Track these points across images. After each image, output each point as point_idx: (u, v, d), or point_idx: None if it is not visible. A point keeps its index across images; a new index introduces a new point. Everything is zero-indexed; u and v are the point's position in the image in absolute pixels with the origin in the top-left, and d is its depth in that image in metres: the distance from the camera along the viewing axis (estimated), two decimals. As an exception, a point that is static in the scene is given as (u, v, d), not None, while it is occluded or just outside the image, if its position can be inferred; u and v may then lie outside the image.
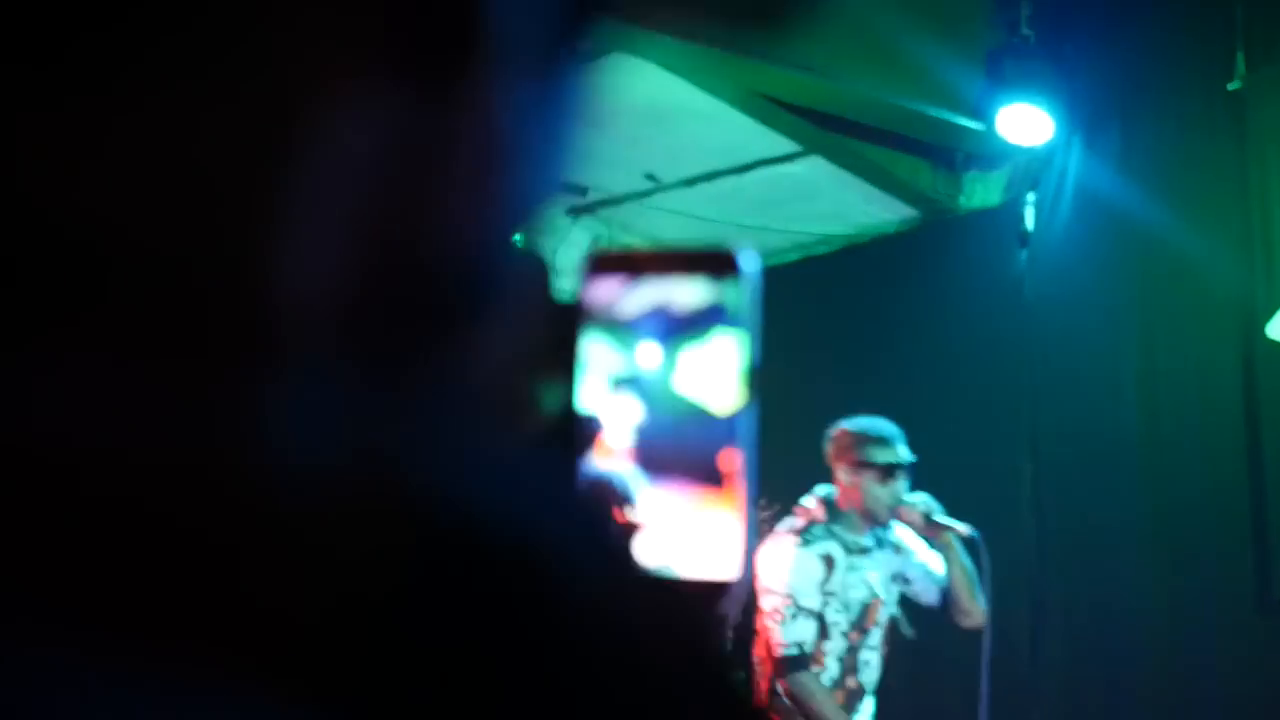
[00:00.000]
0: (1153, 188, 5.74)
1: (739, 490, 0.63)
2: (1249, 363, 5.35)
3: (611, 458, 0.64)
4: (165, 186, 0.40)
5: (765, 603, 4.68)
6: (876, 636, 4.71)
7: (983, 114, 5.89)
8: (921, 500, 4.67)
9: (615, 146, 6.16)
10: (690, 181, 6.69)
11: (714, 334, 0.65)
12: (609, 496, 0.64)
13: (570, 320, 0.64)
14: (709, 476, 0.64)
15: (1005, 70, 5.80)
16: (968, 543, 4.66)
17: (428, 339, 0.46)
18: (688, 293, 0.65)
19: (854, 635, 4.69)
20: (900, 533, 4.78)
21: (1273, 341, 5.26)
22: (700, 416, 0.64)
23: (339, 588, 0.37)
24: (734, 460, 0.64)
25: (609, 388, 0.64)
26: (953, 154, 6.39)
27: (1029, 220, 6.16)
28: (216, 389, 0.39)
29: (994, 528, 5.67)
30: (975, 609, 4.71)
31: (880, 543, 4.77)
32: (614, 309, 0.65)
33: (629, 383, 0.64)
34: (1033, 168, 6.15)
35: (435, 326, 0.47)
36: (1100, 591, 5.61)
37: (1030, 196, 6.17)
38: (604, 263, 0.66)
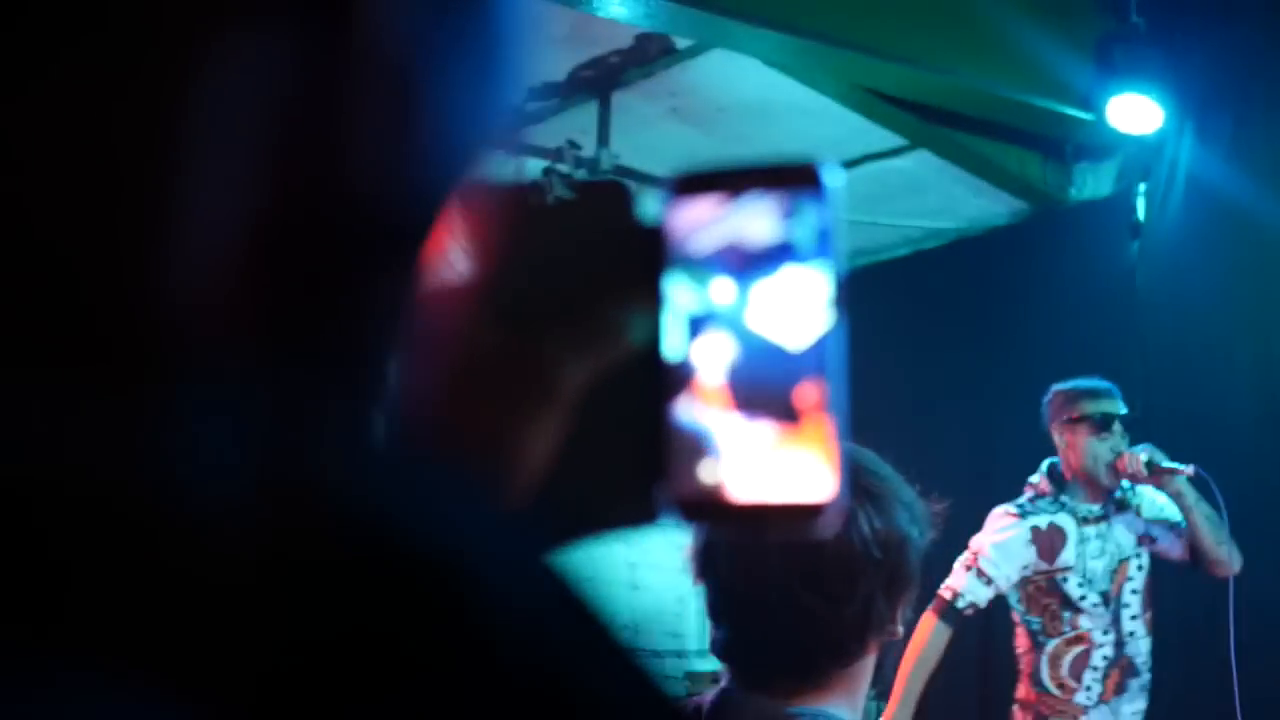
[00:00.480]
0: (1265, 176, 5.65)
1: (822, 423, 0.63)
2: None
3: (696, 400, 0.65)
4: (50, 169, 0.37)
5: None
6: (1136, 606, 4.64)
7: (1092, 104, 5.83)
8: (1143, 449, 4.57)
9: (720, 144, 6.17)
10: (798, 179, 6.69)
11: (790, 264, 0.65)
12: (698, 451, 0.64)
13: (650, 248, 0.64)
14: (788, 413, 0.64)
15: (1115, 58, 5.74)
16: (1199, 483, 4.57)
17: (346, 301, 0.43)
18: (764, 220, 0.65)
19: (1112, 606, 4.64)
20: (1141, 492, 4.70)
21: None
22: (776, 352, 0.64)
23: (247, 600, 0.34)
24: (813, 394, 0.63)
25: (686, 324, 0.64)
26: (1062, 145, 6.33)
27: (1140, 211, 6.09)
28: (114, 392, 0.36)
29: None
30: (1223, 555, 4.57)
31: (1120, 506, 4.69)
32: (690, 239, 0.65)
33: (706, 319, 0.64)
34: (1143, 157, 6.08)
35: (353, 284, 0.43)
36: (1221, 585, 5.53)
37: (1141, 187, 6.10)
38: (682, 185, 0.66)
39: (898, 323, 6.92)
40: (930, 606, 4.58)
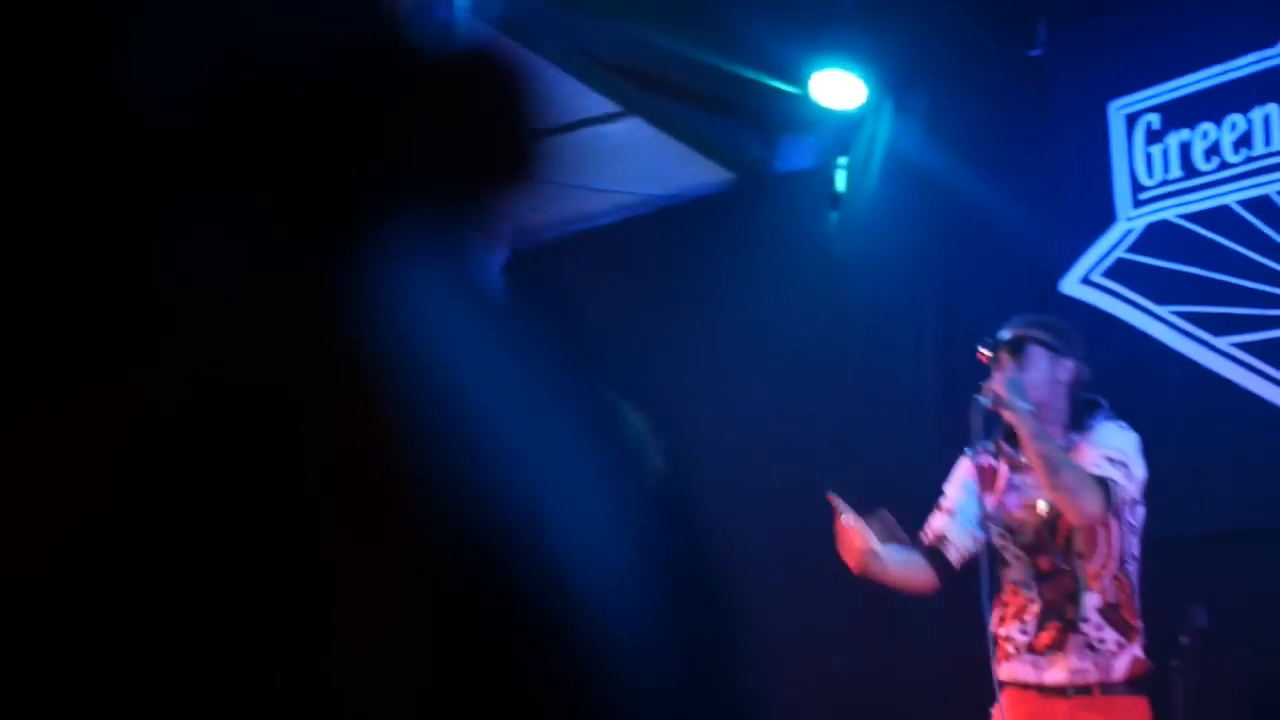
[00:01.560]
0: (959, 151, 5.93)
1: None
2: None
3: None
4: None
5: None
6: (1076, 559, 4.25)
7: (798, 78, 6.03)
8: (1000, 378, 4.26)
9: (435, 101, 6.19)
10: (512, 141, 6.74)
11: None
12: None
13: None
14: None
15: (820, 35, 5.95)
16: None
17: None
18: None
19: (1040, 561, 4.28)
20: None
21: (1066, 297, 5.48)
22: None
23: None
24: None
25: None
26: (768, 117, 6.52)
27: (840, 183, 6.32)
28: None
29: (800, 490, 5.84)
30: (1053, 489, 4.13)
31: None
32: None
33: None
34: (845, 132, 6.31)
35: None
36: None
37: (842, 160, 6.33)
38: None
39: (607, 289, 7.04)
40: None
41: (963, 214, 5.85)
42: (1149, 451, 5.17)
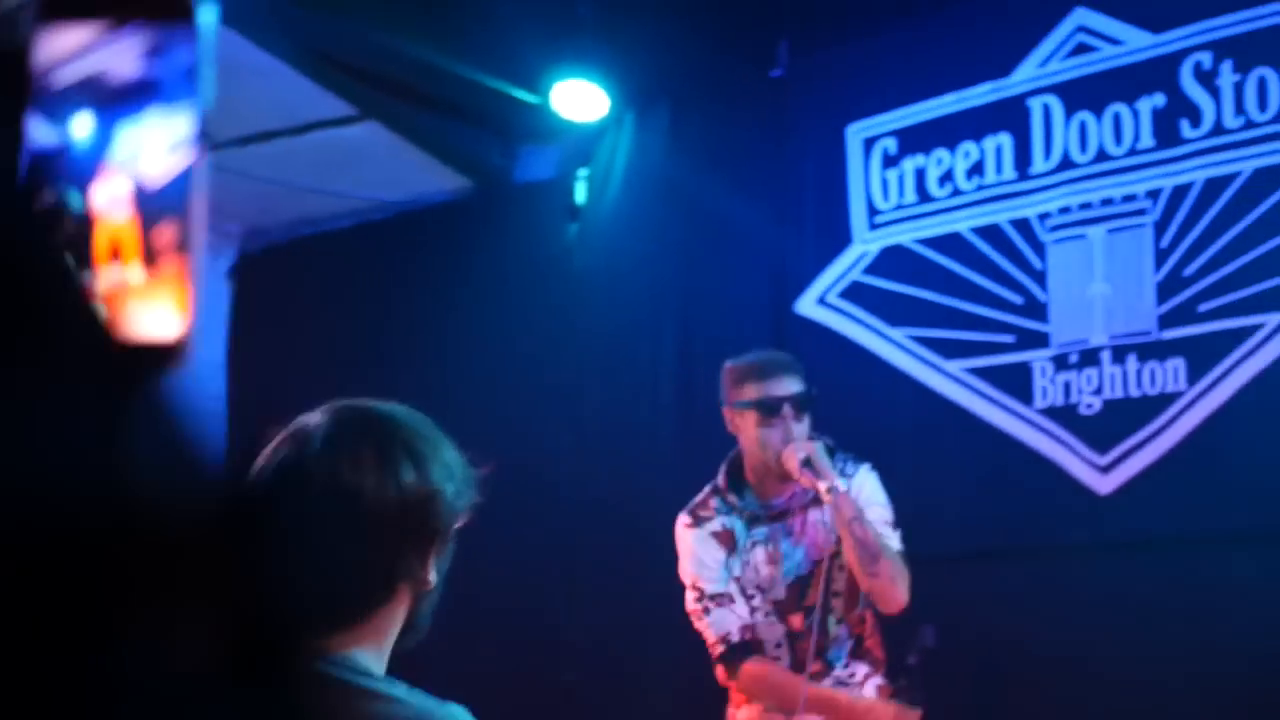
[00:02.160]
0: (700, 167, 5.95)
1: (177, 263, 0.62)
2: (779, 341, 5.60)
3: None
4: None
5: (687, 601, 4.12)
6: (840, 610, 4.12)
7: (539, 88, 5.98)
8: (819, 441, 4.03)
9: (165, 99, 5.97)
10: (244, 141, 6.54)
11: (154, 104, 0.63)
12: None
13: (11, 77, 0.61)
14: (148, 254, 0.63)
15: (561, 45, 5.90)
16: (829, 453, 4.05)
17: None
18: (130, 56, 0.63)
19: (793, 620, 4.10)
20: (854, 480, 4.08)
21: (802, 318, 5.53)
22: (139, 193, 0.63)
23: None
24: (169, 234, 0.63)
25: (46, 161, 0.62)
26: (509, 126, 6.45)
27: (580, 194, 6.28)
28: None
29: (536, 504, 5.79)
30: (874, 585, 3.98)
31: (807, 501, 4.12)
32: (53, 71, 0.62)
33: (67, 156, 0.62)
34: (585, 143, 6.28)
35: None
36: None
37: (582, 171, 6.29)
38: (50, 7, 0.62)
39: (341, 294, 6.90)
40: (728, 675, 4.11)
41: (703, 231, 5.87)
42: (881, 471, 5.27)
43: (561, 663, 5.84)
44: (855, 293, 5.44)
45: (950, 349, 5.20)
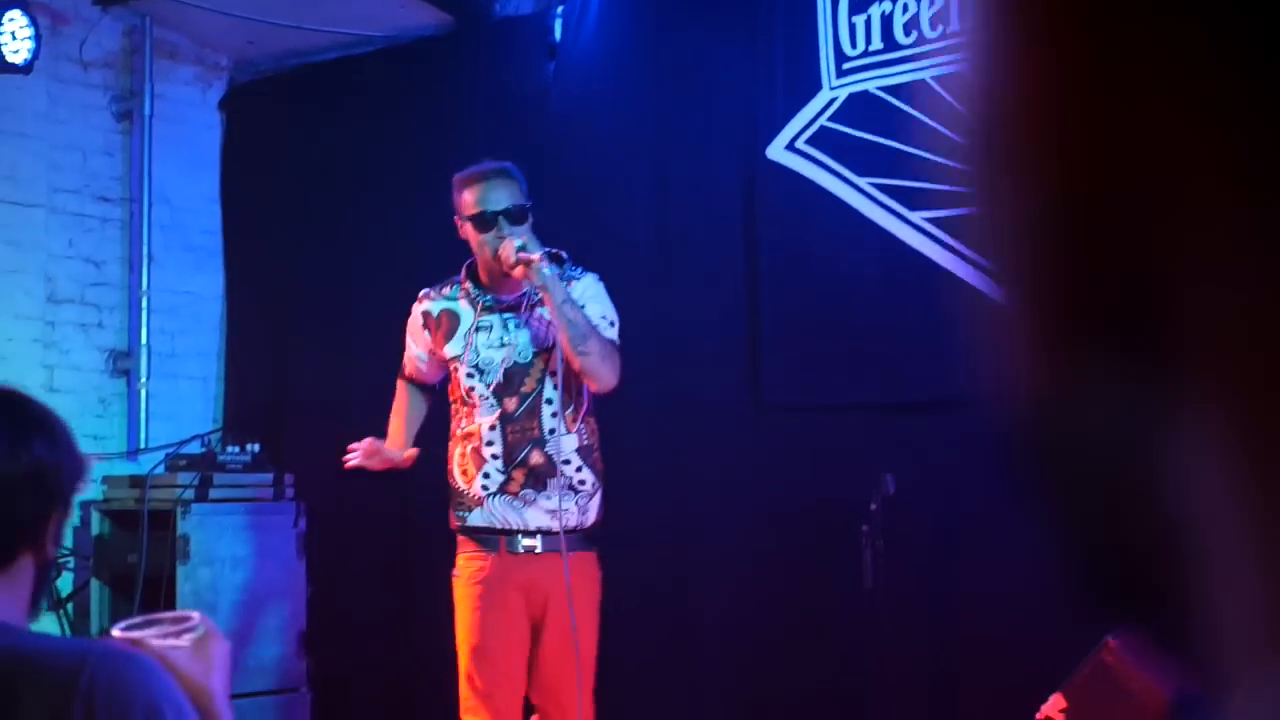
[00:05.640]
0: (673, 5, 5.94)
1: None
2: (750, 180, 5.66)
3: None
4: None
5: None
6: (557, 402, 4.51)
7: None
8: (518, 234, 4.49)
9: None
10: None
11: None
12: None
13: None
14: None
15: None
16: (559, 262, 4.55)
17: None
18: None
19: (509, 403, 4.55)
20: (579, 284, 4.59)
21: (773, 162, 5.58)
22: None
23: None
24: None
25: None
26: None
27: (557, 31, 6.28)
28: None
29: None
30: (586, 364, 4.42)
31: (535, 301, 4.57)
32: None
33: None
34: (563, -22, 6.25)
35: None
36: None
37: (559, 8, 6.27)
38: None
39: (327, 125, 6.95)
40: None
41: (676, 73, 5.87)
42: (845, 319, 5.36)
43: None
44: (823, 139, 5.47)
45: (914, 199, 5.24)
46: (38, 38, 5.95)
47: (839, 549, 5.01)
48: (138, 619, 2.22)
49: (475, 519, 4.61)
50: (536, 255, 4.40)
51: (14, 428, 2.04)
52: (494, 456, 4.57)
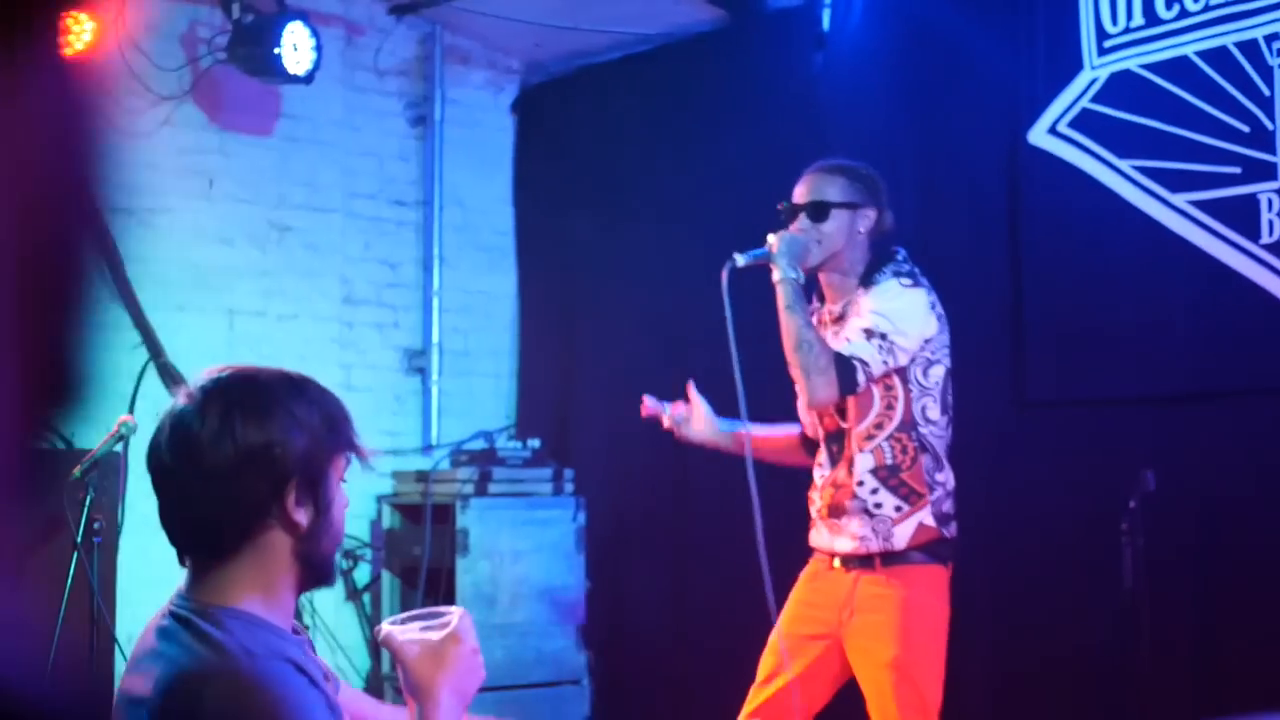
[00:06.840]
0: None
1: None
2: (1013, 167, 5.47)
3: None
4: None
5: None
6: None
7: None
8: (787, 232, 4.19)
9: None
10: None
11: None
12: None
13: None
14: None
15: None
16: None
17: None
18: None
19: (827, 420, 4.23)
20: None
21: (1034, 148, 5.38)
22: None
23: None
24: None
25: None
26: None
27: (825, 22, 6.20)
28: None
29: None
30: (797, 374, 4.03)
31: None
32: None
33: None
34: (832, -31, 6.17)
35: None
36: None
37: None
38: None
39: (612, 124, 7.04)
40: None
41: (939, 59, 5.74)
42: (1108, 310, 5.12)
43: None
44: (1085, 121, 5.24)
45: (1176, 181, 4.98)
46: (319, 48, 6.18)
47: (1099, 547, 4.81)
48: (413, 613, 2.33)
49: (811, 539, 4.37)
50: (777, 268, 4.10)
51: (221, 416, 2.10)
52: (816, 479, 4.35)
